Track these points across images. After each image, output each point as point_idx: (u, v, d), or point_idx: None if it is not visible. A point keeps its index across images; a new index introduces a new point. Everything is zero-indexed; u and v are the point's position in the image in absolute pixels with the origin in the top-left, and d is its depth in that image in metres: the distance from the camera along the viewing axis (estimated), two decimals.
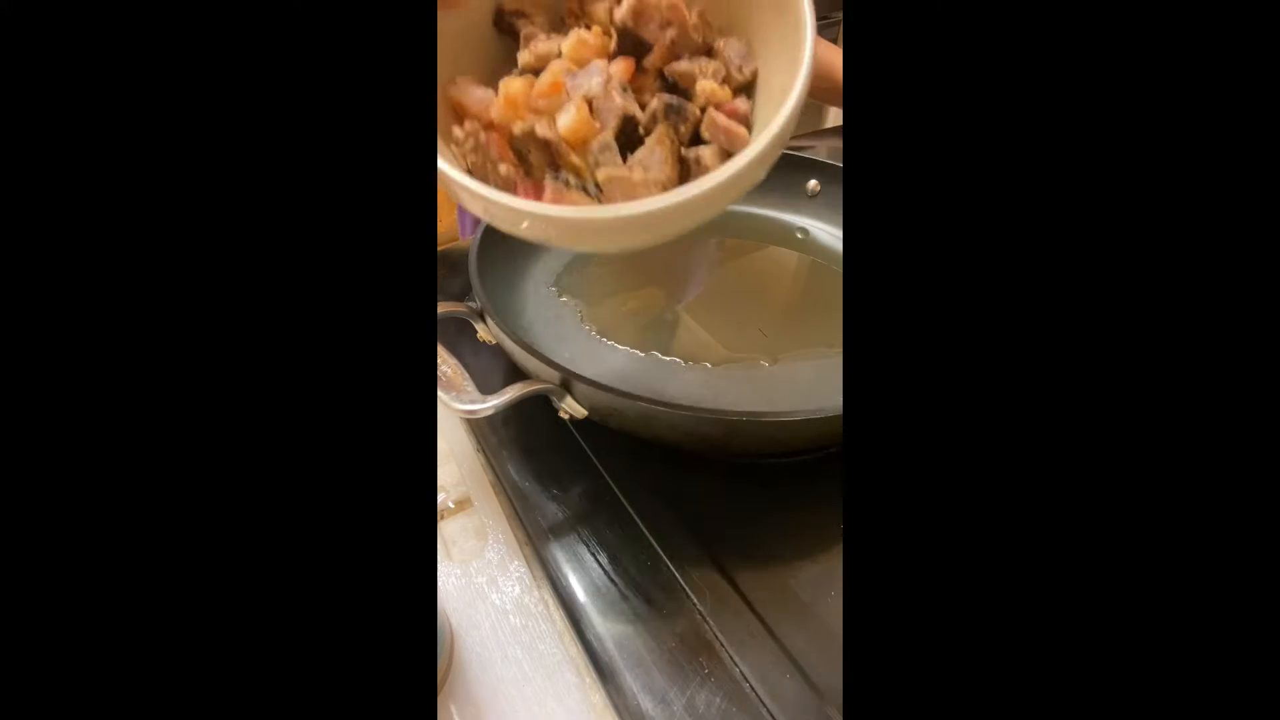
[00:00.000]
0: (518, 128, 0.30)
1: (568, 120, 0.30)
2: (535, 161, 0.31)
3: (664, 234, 0.30)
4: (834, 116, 1.13)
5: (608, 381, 0.38)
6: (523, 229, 0.29)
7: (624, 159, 0.31)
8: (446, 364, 0.40)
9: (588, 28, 0.32)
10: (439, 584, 0.36)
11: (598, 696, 0.32)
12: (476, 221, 0.34)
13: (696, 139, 0.32)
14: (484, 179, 0.30)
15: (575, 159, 0.30)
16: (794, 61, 0.29)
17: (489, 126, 0.31)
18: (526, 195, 0.30)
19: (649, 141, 0.31)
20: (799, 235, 0.62)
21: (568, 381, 0.39)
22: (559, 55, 0.32)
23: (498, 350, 0.46)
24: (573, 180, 0.30)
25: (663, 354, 0.48)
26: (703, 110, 0.31)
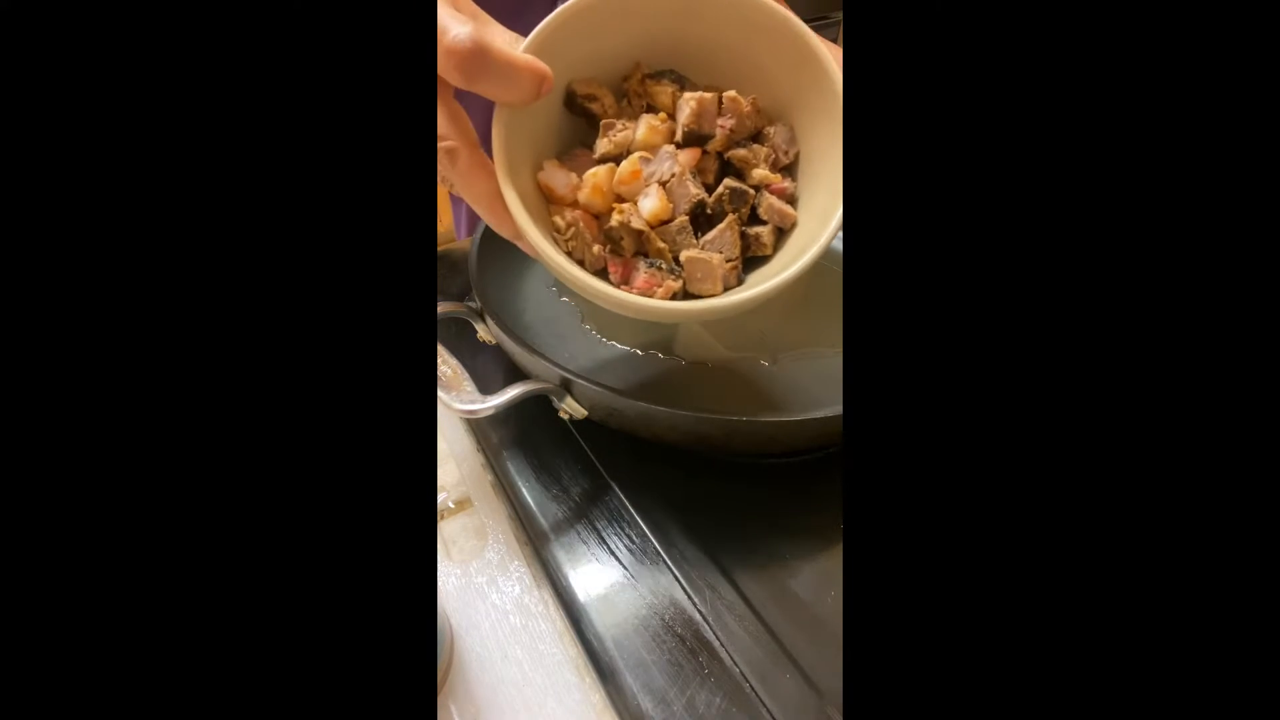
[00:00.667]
0: (614, 219, 0.36)
1: (651, 205, 0.36)
2: (626, 247, 0.36)
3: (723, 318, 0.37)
4: None
5: (608, 381, 0.38)
6: (614, 309, 0.36)
7: (696, 236, 0.37)
8: (446, 364, 0.40)
9: (651, 108, 0.39)
10: (439, 584, 0.36)
11: (598, 696, 0.32)
12: (475, 221, 0.35)
13: (752, 213, 0.39)
14: (580, 260, 0.36)
15: (660, 243, 0.37)
16: (833, 182, 0.36)
17: (573, 205, 0.37)
18: (615, 272, 0.37)
19: (720, 226, 0.37)
20: None
21: (568, 381, 0.39)
22: (633, 142, 0.37)
23: (498, 350, 0.46)
24: (663, 265, 0.36)
25: (663, 354, 0.48)
26: (756, 189, 0.38)
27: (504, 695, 0.32)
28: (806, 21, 0.36)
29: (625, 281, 0.37)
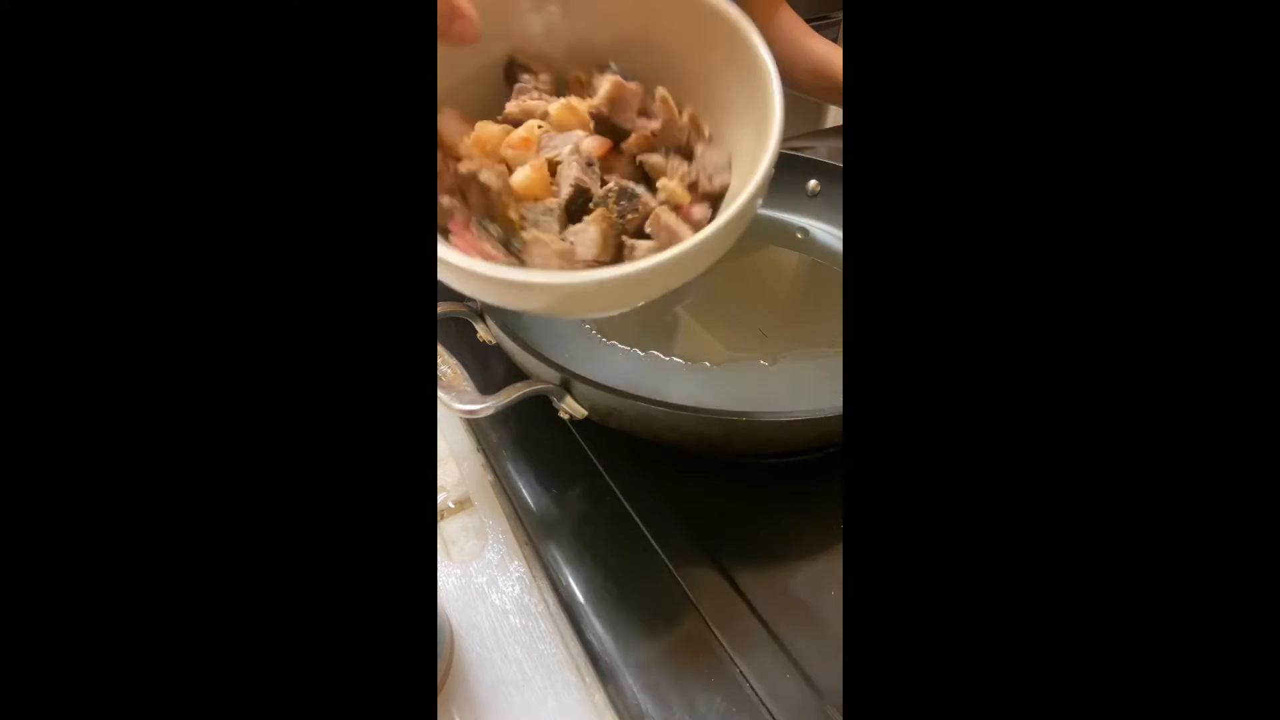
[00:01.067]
0: (464, 166, 0.30)
1: (523, 176, 0.30)
2: (472, 203, 0.31)
3: (568, 308, 0.30)
4: (834, 116, 1.13)
5: (608, 381, 0.38)
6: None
7: (563, 227, 0.31)
8: (446, 364, 0.40)
9: (585, 99, 0.33)
10: (439, 584, 0.36)
11: (598, 696, 0.32)
12: None
13: (643, 234, 0.31)
14: None
15: (510, 213, 0.31)
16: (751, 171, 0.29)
17: (456, 160, 0.31)
18: (455, 230, 0.30)
19: (586, 220, 0.30)
20: (799, 235, 0.62)
21: (568, 381, 0.39)
22: (544, 115, 0.32)
23: (498, 350, 0.46)
24: (494, 231, 0.30)
25: (663, 354, 0.48)
26: (653, 203, 0.31)
27: (504, 695, 0.32)
28: (807, 21, 0.35)
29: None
